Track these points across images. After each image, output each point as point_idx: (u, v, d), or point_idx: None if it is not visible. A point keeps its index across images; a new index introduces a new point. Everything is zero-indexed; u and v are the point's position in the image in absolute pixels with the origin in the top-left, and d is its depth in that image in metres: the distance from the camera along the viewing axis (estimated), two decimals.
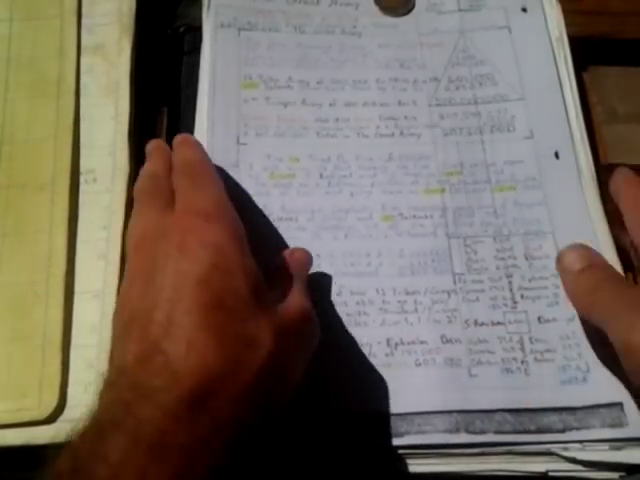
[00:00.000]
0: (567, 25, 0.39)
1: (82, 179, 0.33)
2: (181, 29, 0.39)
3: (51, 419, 0.28)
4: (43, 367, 0.29)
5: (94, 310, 0.31)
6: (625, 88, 0.40)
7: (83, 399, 0.29)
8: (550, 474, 0.29)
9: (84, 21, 0.36)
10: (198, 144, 0.32)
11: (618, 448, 0.29)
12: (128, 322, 0.24)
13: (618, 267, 0.33)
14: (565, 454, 0.29)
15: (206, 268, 0.24)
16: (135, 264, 0.26)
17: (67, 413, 0.29)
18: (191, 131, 0.35)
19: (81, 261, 0.32)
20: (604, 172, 0.36)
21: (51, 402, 0.29)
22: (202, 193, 0.27)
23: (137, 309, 0.24)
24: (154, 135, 0.36)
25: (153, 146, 0.32)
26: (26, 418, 0.28)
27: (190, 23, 0.39)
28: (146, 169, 0.30)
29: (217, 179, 0.29)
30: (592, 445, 0.29)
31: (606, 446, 0.29)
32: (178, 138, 0.32)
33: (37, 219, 0.32)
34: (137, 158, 0.34)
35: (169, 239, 0.25)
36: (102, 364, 0.29)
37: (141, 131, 0.35)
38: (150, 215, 0.27)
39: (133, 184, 0.33)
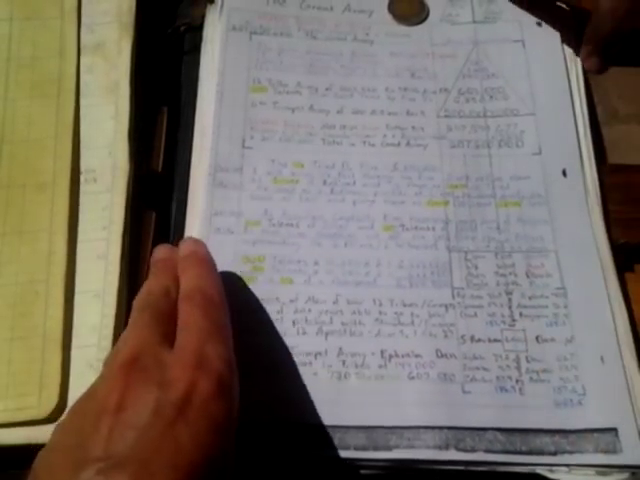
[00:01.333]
0: None
1: (82, 179, 0.33)
2: (181, 28, 0.39)
3: (51, 418, 0.28)
4: (43, 366, 0.29)
5: (94, 310, 0.31)
6: (626, 88, 0.39)
7: None
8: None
9: (84, 20, 0.37)
10: (212, 264, 0.28)
11: (604, 473, 0.29)
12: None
13: (617, 287, 0.32)
14: (551, 476, 0.28)
15: (200, 458, 0.20)
16: (118, 386, 0.21)
17: None
18: (191, 130, 0.36)
19: (81, 261, 0.32)
20: (604, 172, 0.36)
21: (51, 401, 0.29)
22: (217, 344, 0.23)
23: (92, 450, 0.20)
24: (154, 134, 0.36)
25: (159, 255, 0.29)
26: (26, 417, 0.28)
27: (190, 22, 0.39)
28: (149, 286, 0.27)
29: (230, 327, 0.25)
30: (578, 469, 0.28)
31: (592, 470, 0.29)
32: (187, 248, 0.28)
33: (37, 218, 0.32)
34: (137, 158, 0.34)
35: (168, 388, 0.21)
36: (102, 364, 0.29)
37: (141, 131, 0.35)
38: (148, 334, 0.23)
39: (133, 184, 0.33)
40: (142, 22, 0.37)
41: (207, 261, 0.28)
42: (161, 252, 0.29)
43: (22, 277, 0.31)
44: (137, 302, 0.26)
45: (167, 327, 0.24)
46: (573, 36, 0.39)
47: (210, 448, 0.21)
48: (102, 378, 0.23)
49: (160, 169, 0.35)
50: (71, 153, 0.33)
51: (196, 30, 0.39)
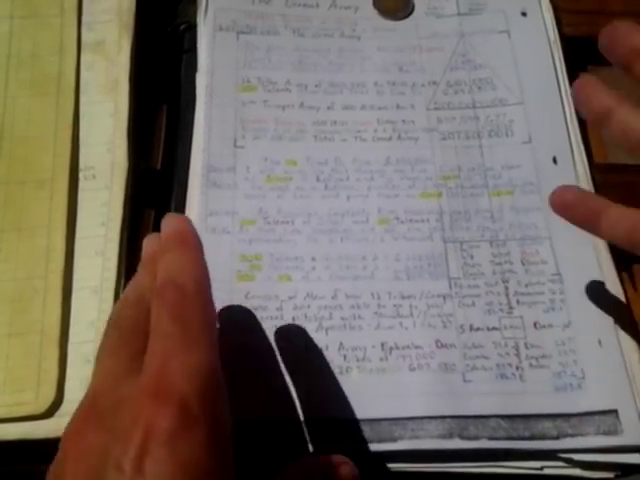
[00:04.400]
0: (567, 25, 0.39)
1: (81, 175, 0.34)
2: (181, 27, 0.39)
3: (48, 413, 0.29)
4: (41, 362, 0.30)
5: (92, 306, 0.31)
6: (629, 89, 0.39)
7: (80, 394, 0.28)
8: (545, 471, 0.29)
9: (84, 18, 0.37)
10: (197, 246, 0.24)
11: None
12: None
13: (612, 270, 0.33)
14: (561, 455, 0.29)
15: None
16: (74, 440, 0.20)
17: (64, 408, 0.29)
18: (190, 129, 0.36)
19: (79, 257, 0.32)
20: (604, 172, 0.36)
21: (49, 397, 0.29)
22: (187, 355, 0.20)
23: None
24: (153, 132, 0.36)
25: (147, 249, 0.26)
26: (24, 412, 0.29)
27: (190, 21, 0.39)
28: (132, 287, 0.24)
29: (213, 324, 0.22)
30: None
31: None
32: (168, 226, 0.25)
33: (36, 215, 0.32)
34: (136, 155, 0.34)
35: (124, 440, 0.18)
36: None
37: (140, 128, 0.35)
38: (112, 365, 0.22)
39: (132, 181, 0.33)
40: (142, 21, 0.37)
41: (187, 241, 0.24)
42: (149, 245, 0.26)
43: (20, 273, 0.31)
44: (112, 313, 0.24)
45: (136, 346, 0.21)
46: None
47: None
48: (67, 426, 0.21)
49: (159, 166, 0.36)
50: (70, 150, 0.34)
51: (195, 29, 0.39)
